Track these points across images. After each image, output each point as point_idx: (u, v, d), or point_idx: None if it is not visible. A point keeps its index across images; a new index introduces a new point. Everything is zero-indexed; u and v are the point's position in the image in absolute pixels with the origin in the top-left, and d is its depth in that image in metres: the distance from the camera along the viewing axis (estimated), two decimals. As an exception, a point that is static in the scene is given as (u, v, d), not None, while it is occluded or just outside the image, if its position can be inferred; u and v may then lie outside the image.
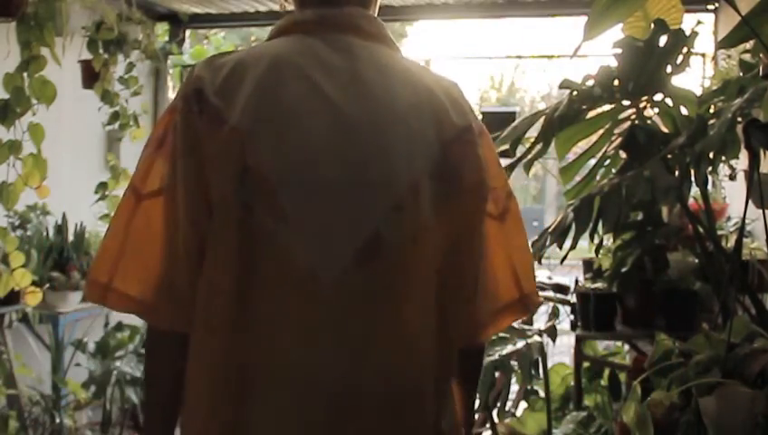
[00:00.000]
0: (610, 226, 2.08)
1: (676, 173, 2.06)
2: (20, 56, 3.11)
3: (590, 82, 2.25)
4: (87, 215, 4.10)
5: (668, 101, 2.24)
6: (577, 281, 3.08)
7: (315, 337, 1.08)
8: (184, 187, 1.15)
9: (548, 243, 2.10)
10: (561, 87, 2.29)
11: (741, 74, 2.31)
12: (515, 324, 2.86)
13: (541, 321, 3.67)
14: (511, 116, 4.05)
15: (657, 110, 2.31)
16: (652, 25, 2.20)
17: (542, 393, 3.16)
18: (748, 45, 2.17)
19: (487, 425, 3.28)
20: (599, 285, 2.91)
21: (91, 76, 3.92)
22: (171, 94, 5.31)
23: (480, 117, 1.33)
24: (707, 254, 2.31)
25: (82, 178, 4.20)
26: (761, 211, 1.85)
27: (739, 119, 1.85)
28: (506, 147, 2.30)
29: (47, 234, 3.97)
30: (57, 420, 3.67)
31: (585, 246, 2.46)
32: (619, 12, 1.97)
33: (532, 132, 2.29)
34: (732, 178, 2.51)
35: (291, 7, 1.27)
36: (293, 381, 1.08)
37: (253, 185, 1.09)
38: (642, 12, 2.43)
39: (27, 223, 3.81)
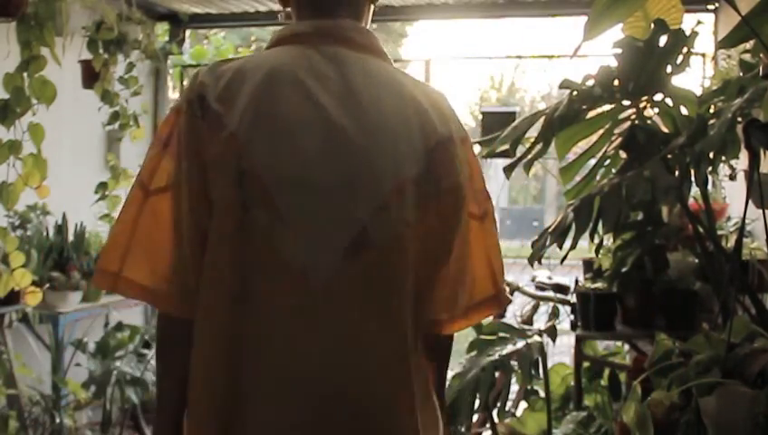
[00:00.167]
0: (610, 226, 2.08)
1: (676, 173, 2.06)
2: (20, 56, 3.11)
3: (590, 82, 2.25)
4: (87, 215, 4.11)
5: (668, 101, 2.24)
6: (577, 281, 3.08)
7: (306, 323, 1.18)
8: (187, 186, 1.24)
9: (548, 243, 2.10)
10: (561, 87, 2.29)
11: (741, 74, 2.31)
12: (515, 325, 2.87)
13: (541, 321, 3.67)
14: (511, 116, 4.04)
15: (657, 110, 2.31)
16: (652, 25, 2.20)
17: (542, 393, 3.16)
18: (748, 45, 2.17)
19: (487, 425, 3.28)
20: (599, 285, 2.91)
21: (91, 76, 3.93)
22: (171, 94, 5.31)
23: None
24: (707, 254, 2.31)
25: (82, 178, 4.20)
26: (761, 211, 1.85)
27: (739, 119, 1.85)
28: (506, 147, 2.30)
29: (47, 234, 3.97)
30: (57, 420, 3.67)
31: (585, 246, 2.46)
32: (619, 12, 1.97)
33: (533, 132, 2.29)
34: (732, 178, 2.51)
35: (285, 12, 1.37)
36: (285, 353, 1.19)
37: (250, 186, 1.18)
38: (642, 12, 2.43)
39: (27, 223, 3.81)
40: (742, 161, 2.20)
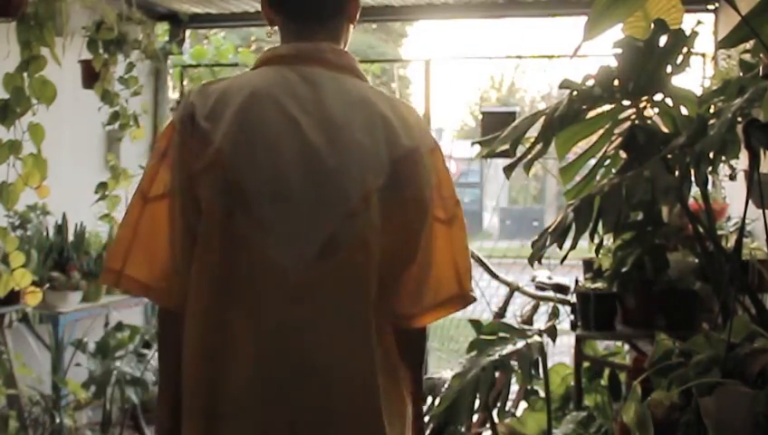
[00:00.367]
0: (610, 226, 2.08)
1: (676, 173, 2.06)
2: (20, 56, 3.11)
3: (590, 82, 2.25)
4: (87, 215, 4.11)
5: (668, 101, 2.24)
6: (577, 281, 3.08)
7: (284, 314, 1.36)
8: (180, 194, 1.42)
9: (548, 243, 2.10)
10: (561, 87, 2.29)
11: (741, 74, 2.31)
12: (515, 325, 2.87)
13: (541, 321, 3.67)
14: (511, 116, 4.03)
15: (657, 110, 2.31)
16: (652, 25, 2.20)
17: (542, 393, 3.16)
18: (748, 45, 2.17)
19: (487, 425, 3.28)
20: (599, 285, 2.91)
21: (91, 76, 3.92)
22: (171, 94, 5.30)
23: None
24: (707, 254, 2.31)
25: (82, 178, 4.20)
26: (761, 211, 1.85)
27: (739, 119, 1.85)
28: (506, 147, 2.30)
29: (47, 234, 3.97)
30: (57, 420, 3.67)
31: (585, 246, 2.46)
32: (619, 12, 1.97)
33: (533, 132, 2.29)
34: (732, 178, 2.51)
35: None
36: (264, 336, 1.37)
37: (234, 196, 1.36)
38: (642, 12, 2.43)
39: (27, 223, 3.80)
40: (742, 161, 2.20)
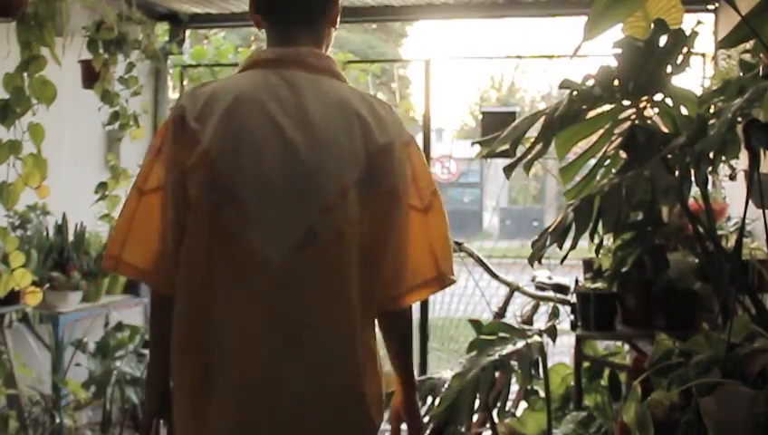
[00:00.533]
0: (610, 226, 2.08)
1: (676, 173, 2.06)
2: (20, 56, 3.11)
3: (590, 82, 2.25)
4: (87, 215, 4.11)
5: (668, 101, 2.24)
6: (577, 281, 3.08)
7: (269, 297, 1.49)
8: (171, 189, 1.56)
9: (548, 243, 2.10)
10: (561, 87, 2.29)
11: (741, 74, 2.31)
12: (515, 325, 2.87)
13: (541, 321, 3.67)
14: (511, 116, 4.03)
15: (657, 110, 2.31)
16: (652, 25, 2.20)
17: (542, 393, 3.16)
18: (748, 45, 2.17)
19: (487, 425, 3.28)
20: (599, 285, 2.91)
21: (91, 76, 3.92)
22: (171, 94, 5.30)
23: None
24: (707, 254, 2.31)
25: (82, 178, 4.19)
26: (761, 211, 1.85)
27: (739, 119, 1.85)
28: (506, 147, 2.29)
29: (47, 234, 3.97)
30: (57, 420, 3.67)
31: (585, 246, 2.46)
32: (619, 12, 1.97)
33: (533, 132, 2.29)
34: (732, 178, 2.51)
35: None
36: (250, 321, 1.49)
37: (220, 191, 1.50)
38: (642, 12, 2.43)
39: (27, 223, 3.80)
40: (742, 161, 2.20)
